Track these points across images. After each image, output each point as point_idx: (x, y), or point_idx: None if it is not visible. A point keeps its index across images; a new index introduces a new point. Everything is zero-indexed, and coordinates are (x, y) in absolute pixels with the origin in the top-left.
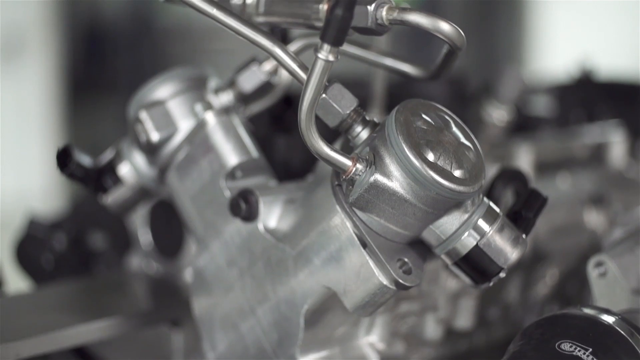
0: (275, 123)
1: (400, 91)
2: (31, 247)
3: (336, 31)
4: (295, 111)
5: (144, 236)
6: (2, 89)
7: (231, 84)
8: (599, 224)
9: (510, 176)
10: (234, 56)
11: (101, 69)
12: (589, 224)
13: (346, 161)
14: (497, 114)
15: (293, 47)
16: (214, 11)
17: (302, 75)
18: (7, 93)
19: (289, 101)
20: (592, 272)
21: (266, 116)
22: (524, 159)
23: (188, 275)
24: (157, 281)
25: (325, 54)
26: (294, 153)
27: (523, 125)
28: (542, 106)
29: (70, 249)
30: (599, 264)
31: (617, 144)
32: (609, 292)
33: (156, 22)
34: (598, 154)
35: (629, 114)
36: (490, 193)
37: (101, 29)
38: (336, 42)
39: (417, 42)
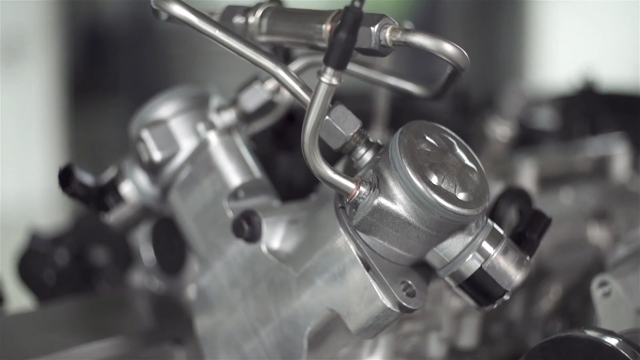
0: (277, 139)
1: (402, 105)
2: (33, 262)
3: (339, 55)
4: (298, 127)
5: (147, 253)
6: (2, 91)
7: (233, 102)
8: (602, 239)
9: (514, 195)
10: (234, 58)
11: (102, 71)
12: (592, 240)
13: (350, 184)
14: (500, 130)
15: (295, 65)
16: (216, 32)
17: (305, 97)
18: (8, 95)
19: (292, 117)
20: (596, 291)
21: (268, 132)
22: (527, 174)
23: (191, 292)
24: (159, 298)
25: (328, 77)
26: (296, 171)
27: (526, 138)
28: (544, 119)
29: (72, 264)
30: (602, 284)
31: (620, 156)
32: (613, 312)
33: (157, 24)
34: (601, 167)
35: (632, 125)
36: (494, 212)
37: (102, 31)
38: (339, 66)
39: (419, 55)
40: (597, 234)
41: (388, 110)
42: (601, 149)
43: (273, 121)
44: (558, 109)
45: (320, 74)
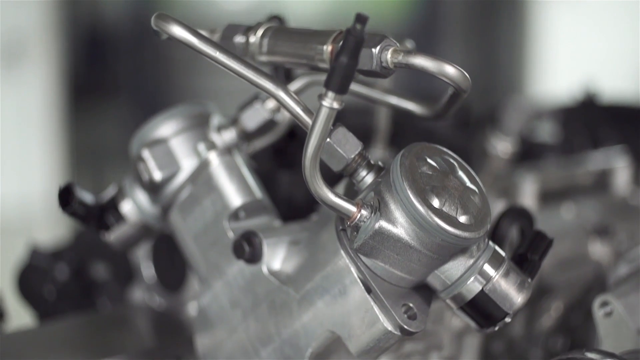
0: (278, 156)
1: (403, 121)
2: (33, 277)
3: (341, 79)
4: (299, 144)
5: (147, 270)
6: (3, 93)
7: (234, 121)
8: (603, 255)
9: (516, 215)
10: None
11: (102, 73)
12: (593, 256)
13: (351, 207)
14: (502, 146)
15: (296, 84)
16: (217, 54)
17: (307, 119)
18: (9, 97)
19: (293, 134)
20: (598, 311)
21: (269, 149)
22: (528, 190)
23: (191, 309)
24: (160, 315)
25: (329, 101)
26: (297, 188)
27: (527, 152)
28: (545, 132)
29: (73, 280)
30: (604, 304)
31: (621, 169)
32: (615, 332)
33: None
34: (602, 180)
35: (634, 138)
36: (495, 232)
37: (102, 33)
38: (341, 90)
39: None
40: (599, 249)
41: (389, 127)
42: (602, 163)
43: (274, 140)
44: (559, 121)
45: (321, 97)
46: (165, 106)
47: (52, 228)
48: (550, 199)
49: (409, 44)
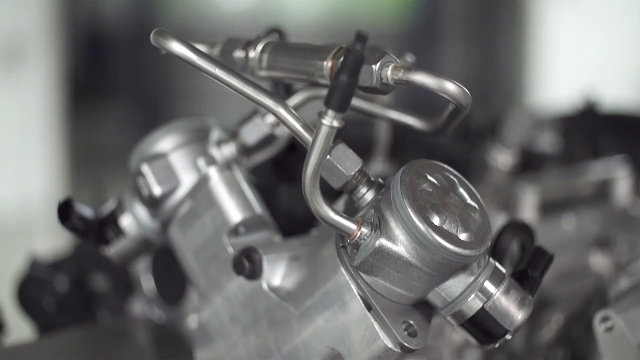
0: (278, 169)
1: (404, 131)
2: (33, 288)
3: (341, 97)
4: (299, 157)
5: (147, 282)
6: (3, 95)
7: (234, 136)
8: (604, 266)
9: (516, 229)
10: None
11: (102, 75)
12: (594, 267)
13: (351, 225)
14: (502, 159)
15: (296, 99)
16: (216, 71)
17: (307, 136)
18: (9, 99)
19: (292, 146)
20: (598, 327)
21: (269, 161)
22: (528, 202)
23: (191, 322)
24: (160, 328)
25: (329, 119)
26: (297, 202)
27: (527, 162)
28: (546, 141)
29: (72, 291)
30: (605, 319)
31: (621, 179)
32: (616, 348)
33: (157, 27)
34: (603, 190)
35: (634, 147)
36: (495, 247)
37: (102, 34)
38: (341, 108)
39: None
40: (599, 261)
41: (389, 140)
42: (603, 172)
43: (273, 154)
44: (559, 130)
45: (321, 115)
46: (165, 107)
47: (52, 229)
48: (550, 210)
49: (409, 58)
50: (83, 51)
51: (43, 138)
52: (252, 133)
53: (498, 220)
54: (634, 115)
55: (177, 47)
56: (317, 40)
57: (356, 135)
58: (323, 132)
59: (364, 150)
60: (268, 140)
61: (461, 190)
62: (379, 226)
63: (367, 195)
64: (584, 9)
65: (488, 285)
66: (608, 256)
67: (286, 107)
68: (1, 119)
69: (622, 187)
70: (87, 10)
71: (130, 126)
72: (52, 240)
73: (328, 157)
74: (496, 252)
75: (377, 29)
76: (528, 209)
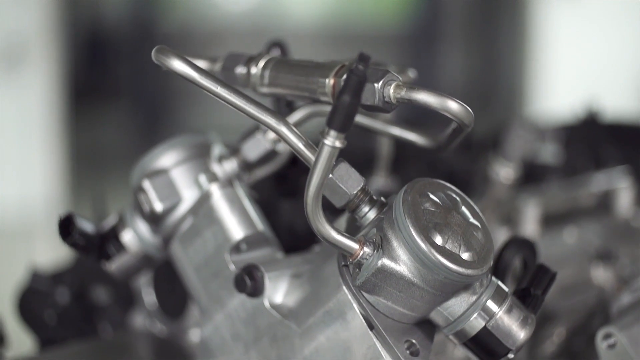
0: (279, 183)
1: (405, 143)
2: (33, 301)
3: (343, 118)
4: (300, 170)
5: (148, 296)
6: (4, 96)
7: (235, 151)
8: (606, 280)
9: (519, 246)
10: None
11: (103, 76)
12: (596, 280)
13: (353, 245)
14: (504, 172)
15: (297, 115)
16: (218, 89)
17: (309, 155)
18: (9, 100)
19: (294, 160)
20: (601, 343)
21: (270, 175)
22: (530, 215)
23: (193, 336)
24: (161, 341)
25: (332, 140)
26: (298, 217)
27: (529, 174)
28: (547, 152)
29: (73, 304)
30: (607, 336)
31: (623, 190)
32: None
33: (158, 28)
34: (605, 201)
35: (637, 158)
36: (498, 263)
37: (103, 36)
38: (343, 129)
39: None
40: (601, 274)
41: (391, 154)
42: (605, 183)
43: (275, 169)
44: (561, 140)
45: (323, 135)
46: (166, 108)
47: (53, 231)
48: (552, 223)
49: (411, 74)
50: (84, 52)
51: (43, 139)
52: (253, 149)
53: (500, 234)
54: (636, 125)
55: (178, 65)
56: (317, 41)
57: (358, 147)
58: (325, 152)
59: (366, 162)
60: (269, 156)
61: (464, 208)
62: (381, 246)
63: (370, 214)
64: (586, 13)
65: (490, 304)
66: (610, 269)
67: (288, 126)
68: (2, 120)
69: (624, 198)
70: (88, 11)
71: (131, 127)
72: (53, 242)
73: (330, 175)
74: (498, 268)
75: (377, 30)
76: (530, 222)
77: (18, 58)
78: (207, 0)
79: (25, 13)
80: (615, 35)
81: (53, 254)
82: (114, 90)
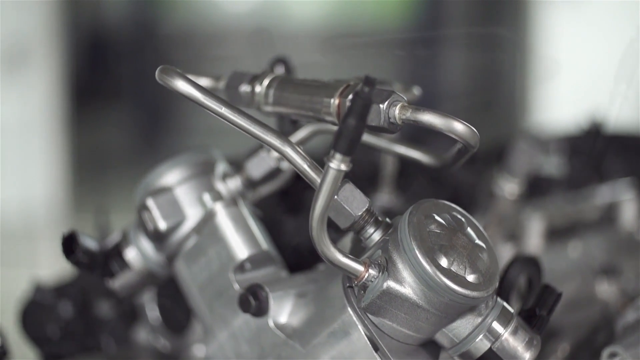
0: (283, 199)
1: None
2: (37, 314)
3: (348, 141)
4: (304, 186)
5: (152, 311)
6: (5, 98)
7: (239, 169)
8: (610, 294)
9: (524, 264)
10: (237, 62)
11: (104, 77)
12: (600, 295)
13: (358, 267)
14: (509, 188)
15: (302, 133)
16: (222, 110)
17: (314, 176)
18: (11, 102)
19: (298, 176)
20: None
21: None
22: (534, 230)
23: (197, 351)
24: (165, 357)
25: (337, 163)
26: (303, 234)
27: (533, 187)
28: (551, 164)
29: (76, 317)
30: (613, 355)
31: (627, 203)
32: None
33: (159, 29)
34: (609, 214)
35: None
36: (502, 282)
37: (105, 37)
38: (348, 152)
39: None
40: (606, 289)
41: (396, 170)
42: (609, 196)
43: (279, 187)
44: (564, 152)
45: (328, 159)
46: (168, 109)
47: (54, 233)
48: (556, 237)
49: (416, 91)
50: (85, 54)
51: (45, 141)
52: (258, 167)
53: (505, 250)
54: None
55: (182, 86)
56: (318, 41)
57: (363, 162)
58: (330, 175)
59: (371, 176)
60: (274, 173)
61: (469, 230)
62: (387, 268)
63: (375, 235)
64: (588, 17)
65: (496, 325)
66: (614, 284)
67: (293, 147)
68: (3, 121)
69: (629, 211)
70: (90, 12)
71: (132, 129)
72: (54, 244)
73: (335, 197)
74: (503, 287)
75: (378, 31)
76: (534, 237)
77: (20, 59)
78: (208, 1)
79: (26, 14)
80: (617, 40)
81: (54, 256)
82: (116, 91)
